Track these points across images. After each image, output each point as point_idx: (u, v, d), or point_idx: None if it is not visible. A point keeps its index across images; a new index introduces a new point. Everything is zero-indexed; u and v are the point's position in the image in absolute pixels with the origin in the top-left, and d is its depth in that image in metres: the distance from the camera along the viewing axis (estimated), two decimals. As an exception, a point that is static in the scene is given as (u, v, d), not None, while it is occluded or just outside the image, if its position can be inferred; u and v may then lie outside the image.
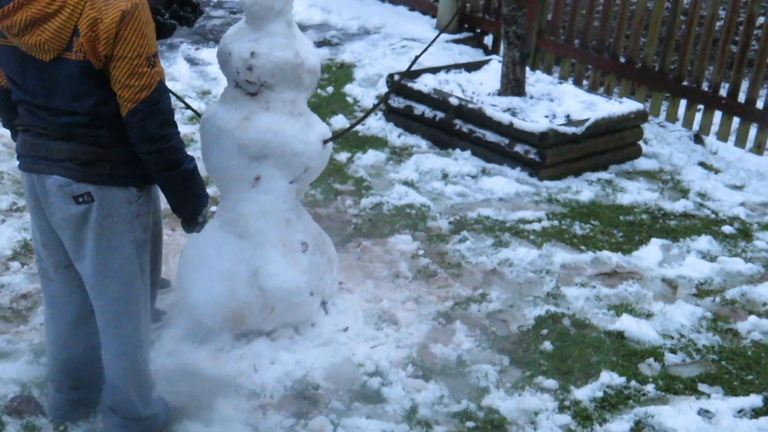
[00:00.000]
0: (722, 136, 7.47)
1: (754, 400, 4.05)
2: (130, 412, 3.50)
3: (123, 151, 3.16)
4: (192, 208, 3.40)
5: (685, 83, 7.63)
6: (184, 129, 6.64)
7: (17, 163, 3.30)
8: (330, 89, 7.74)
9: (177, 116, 6.90)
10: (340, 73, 8.13)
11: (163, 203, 3.53)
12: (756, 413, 3.96)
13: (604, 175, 6.49)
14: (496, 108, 6.53)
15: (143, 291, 3.41)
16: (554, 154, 6.26)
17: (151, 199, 3.37)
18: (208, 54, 8.30)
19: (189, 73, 7.90)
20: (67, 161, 3.11)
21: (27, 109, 3.15)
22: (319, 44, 8.86)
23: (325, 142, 4.05)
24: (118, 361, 3.45)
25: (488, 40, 9.36)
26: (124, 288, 3.32)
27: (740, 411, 3.96)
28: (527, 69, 7.04)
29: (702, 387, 4.15)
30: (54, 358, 3.60)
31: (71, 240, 3.24)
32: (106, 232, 3.20)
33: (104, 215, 3.18)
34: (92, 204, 3.15)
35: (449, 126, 6.66)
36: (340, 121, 6.95)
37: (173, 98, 3.54)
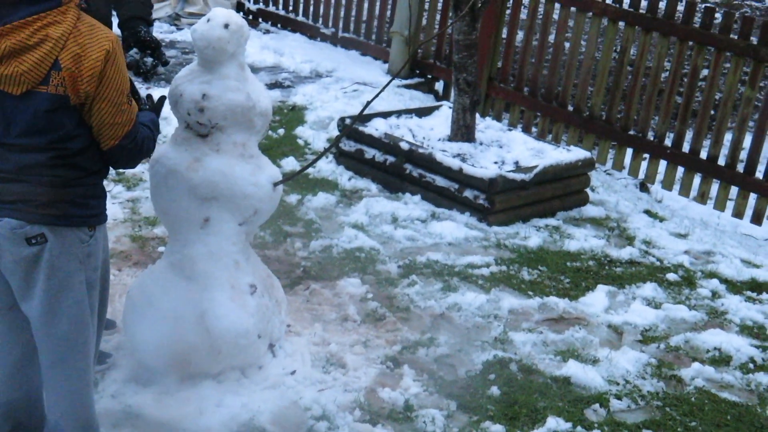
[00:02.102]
0: (667, 184, 7.61)
1: (698, 446, 4.10)
2: (72, 456, 3.43)
3: (78, 191, 3.15)
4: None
5: (631, 132, 7.78)
6: (134, 169, 6.59)
7: None
8: (281, 131, 7.75)
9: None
10: (291, 116, 8.15)
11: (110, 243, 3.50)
12: (699, 460, 4.01)
13: (551, 221, 6.57)
14: (446, 153, 6.59)
15: (92, 331, 3.37)
16: (503, 200, 6.33)
17: (101, 238, 3.35)
18: (159, 94, 8.25)
19: (139, 113, 7.84)
20: (19, 203, 3.07)
21: None
22: (271, 86, 8.88)
23: (276, 184, 4.05)
24: (64, 402, 3.37)
25: (439, 86, 9.45)
26: (73, 328, 3.26)
27: (684, 457, 4.01)
28: (477, 115, 7.12)
29: (646, 433, 4.19)
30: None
31: (21, 281, 3.18)
32: (57, 272, 3.16)
33: (56, 255, 3.14)
34: (45, 245, 3.12)
35: (399, 170, 6.70)
36: (290, 164, 6.96)
37: None
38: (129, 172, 6.54)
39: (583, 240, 6.26)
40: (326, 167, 7.05)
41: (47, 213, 3.09)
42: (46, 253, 3.13)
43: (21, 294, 3.22)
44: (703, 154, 7.40)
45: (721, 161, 7.29)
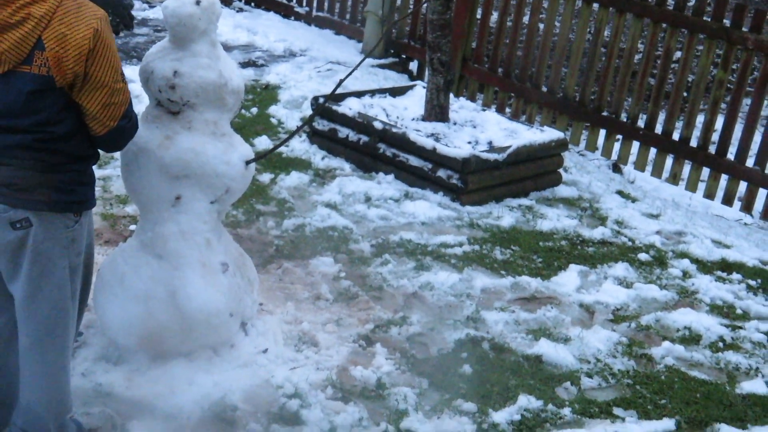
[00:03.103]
0: (639, 165, 7.65)
1: (667, 424, 4.13)
2: (42, 435, 3.40)
3: (63, 177, 3.12)
4: None
5: (604, 114, 7.80)
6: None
7: None
8: (254, 110, 7.71)
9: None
10: (264, 95, 8.11)
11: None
12: (668, 437, 4.05)
13: (524, 201, 6.58)
14: (420, 133, 6.58)
15: (72, 315, 3.37)
16: (476, 179, 6.33)
17: (86, 223, 3.33)
18: (131, 71, 8.17)
19: (111, 91, 7.77)
20: (2, 187, 3.04)
21: None
22: (245, 65, 8.83)
23: (248, 163, 4.03)
24: (40, 383, 3.35)
25: (413, 66, 9.44)
26: (54, 312, 3.26)
27: (653, 434, 4.05)
28: (451, 95, 7.11)
29: (617, 411, 4.21)
30: None
31: (8, 263, 3.18)
32: (40, 257, 3.15)
33: (41, 240, 3.13)
34: (30, 229, 3.10)
35: (373, 150, 6.69)
36: (263, 143, 6.93)
37: None
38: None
39: (555, 220, 6.29)
40: (299, 146, 7.02)
41: (31, 198, 3.07)
42: (30, 238, 3.12)
43: (8, 275, 3.22)
44: (676, 136, 7.45)
45: (693, 143, 7.34)
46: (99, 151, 3.31)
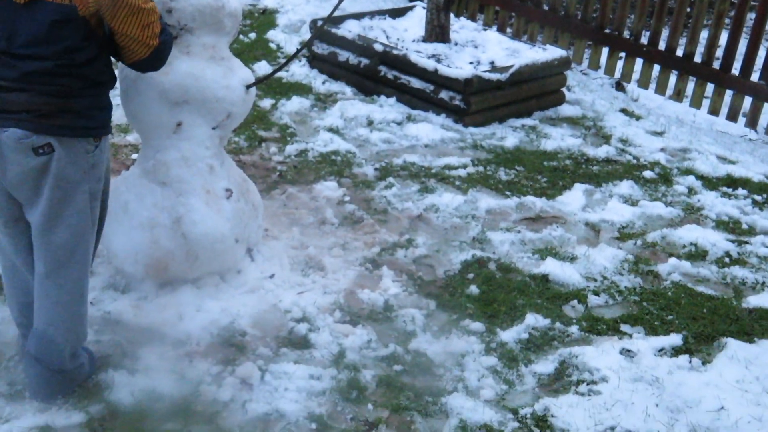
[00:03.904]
0: (643, 83, 7.57)
1: (674, 339, 4.14)
2: (56, 363, 3.40)
3: (83, 102, 3.13)
4: None
5: (607, 31, 7.70)
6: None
7: None
8: (252, 35, 7.61)
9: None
10: (262, 20, 8.00)
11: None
12: (675, 352, 4.05)
13: (528, 121, 6.53)
14: (421, 54, 6.50)
15: (91, 242, 3.37)
16: (479, 100, 6.27)
17: (105, 150, 3.32)
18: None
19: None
20: (24, 113, 3.04)
21: None
22: (241, -10, 8.69)
23: (248, 87, 3.98)
24: (55, 310, 3.35)
25: (412, -14, 9.29)
26: (72, 238, 3.26)
27: (661, 350, 4.05)
28: (451, 16, 7.01)
29: (624, 327, 4.22)
30: (14, 301, 3.53)
31: (30, 191, 3.17)
32: (62, 183, 3.16)
33: (63, 165, 3.13)
34: (53, 155, 3.11)
35: (374, 73, 6.61)
36: (263, 68, 6.85)
37: None
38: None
39: (559, 139, 6.24)
40: (300, 71, 6.95)
41: (53, 123, 3.08)
42: (53, 163, 3.12)
43: (28, 202, 3.22)
44: (679, 52, 7.35)
45: (697, 58, 7.24)
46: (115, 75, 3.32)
